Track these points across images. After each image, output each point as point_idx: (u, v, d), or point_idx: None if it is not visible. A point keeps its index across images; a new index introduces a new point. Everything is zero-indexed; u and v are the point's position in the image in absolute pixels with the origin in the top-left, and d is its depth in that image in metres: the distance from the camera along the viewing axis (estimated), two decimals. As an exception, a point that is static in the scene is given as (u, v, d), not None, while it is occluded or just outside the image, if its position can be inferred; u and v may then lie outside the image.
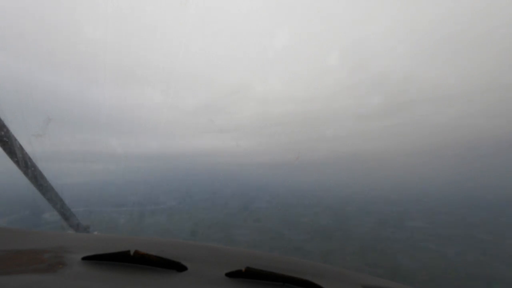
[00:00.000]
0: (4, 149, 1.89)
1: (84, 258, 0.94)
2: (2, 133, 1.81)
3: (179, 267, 0.96)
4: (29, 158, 2.07)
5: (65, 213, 2.61)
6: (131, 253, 0.92)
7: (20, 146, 1.96)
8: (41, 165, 2.20)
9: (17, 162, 1.98)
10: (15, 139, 1.92)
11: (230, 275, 0.95)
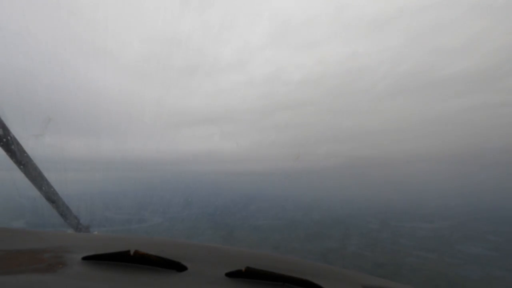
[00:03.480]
0: (4, 149, 1.89)
1: (84, 258, 0.94)
2: (2, 133, 1.82)
3: (179, 267, 0.96)
4: (29, 158, 2.08)
5: (65, 213, 2.61)
6: (131, 253, 0.92)
7: (20, 146, 1.97)
8: (42, 165, 2.20)
9: (17, 162, 1.99)
10: (15, 139, 1.92)
11: (230, 275, 0.95)
